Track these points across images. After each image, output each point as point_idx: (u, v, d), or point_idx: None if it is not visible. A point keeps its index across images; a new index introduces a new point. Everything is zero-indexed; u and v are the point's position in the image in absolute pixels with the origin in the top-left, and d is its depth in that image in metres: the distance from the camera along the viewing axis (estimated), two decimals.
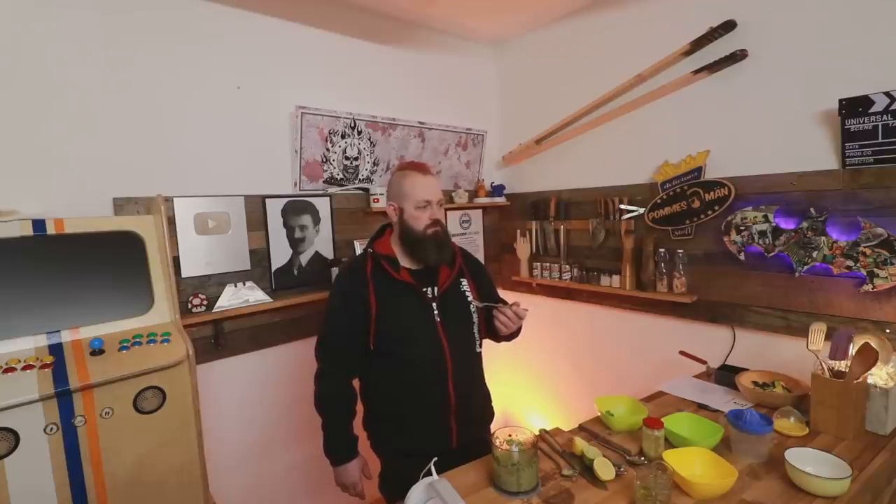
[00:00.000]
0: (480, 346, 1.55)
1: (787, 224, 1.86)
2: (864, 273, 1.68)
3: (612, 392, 1.86)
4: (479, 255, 3.05)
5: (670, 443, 1.36)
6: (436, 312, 1.45)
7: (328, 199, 2.40)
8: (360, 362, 1.47)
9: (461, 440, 1.47)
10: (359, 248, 2.49)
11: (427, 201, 1.43)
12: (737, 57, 1.95)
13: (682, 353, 2.04)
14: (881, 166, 1.63)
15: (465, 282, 1.54)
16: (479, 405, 1.58)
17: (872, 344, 1.43)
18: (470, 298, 1.52)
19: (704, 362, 1.98)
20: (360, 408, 1.53)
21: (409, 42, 2.67)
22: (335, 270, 2.33)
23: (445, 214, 1.43)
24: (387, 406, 1.49)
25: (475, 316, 1.52)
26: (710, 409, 1.64)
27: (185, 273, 1.97)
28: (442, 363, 1.43)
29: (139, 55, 1.85)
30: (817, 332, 1.58)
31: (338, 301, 1.47)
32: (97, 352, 1.38)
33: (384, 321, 1.41)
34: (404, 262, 1.47)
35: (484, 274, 1.66)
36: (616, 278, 2.45)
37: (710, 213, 2.06)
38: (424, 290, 1.45)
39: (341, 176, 2.40)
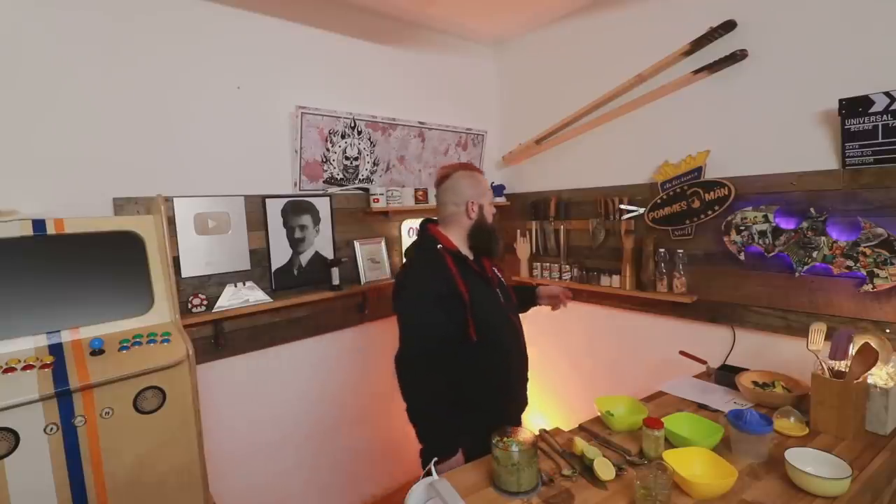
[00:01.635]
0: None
1: (787, 224, 1.86)
2: (864, 273, 1.68)
3: (612, 392, 1.86)
4: None
5: (670, 443, 1.36)
6: (500, 298, 1.60)
7: (328, 199, 2.40)
8: (450, 359, 1.45)
9: (521, 409, 1.66)
10: (358, 248, 2.49)
11: (489, 200, 1.64)
12: (737, 57, 1.95)
13: (682, 353, 2.04)
14: (881, 166, 1.63)
15: (496, 270, 1.68)
16: (524, 389, 1.71)
17: (872, 344, 1.43)
18: (503, 279, 1.68)
19: (704, 362, 1.98)
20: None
21: (409, 42, 2.67)
22: (335, 271, 2.33)
23: None
24: (476, 389, 1.50)
25: (512, 294, 1.69)
26: (710, 409, 1.64)
27: (185, 273, 1.97)
28: (516, 342, 1.61)
29: (139, 55, 1.85)
30: (817, 332, 1.58)
31: (430, 302, 1.43)
32: (97, 352, 1.38)
33: (478, 311, 1.48)
34: (466, 254, 1.59)
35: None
36: (616, 278, 2.45)
37: (710, 213, 2.06)
38: (489, 277, 1.60)
39: (341, 176, 2.40)
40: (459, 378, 1.48)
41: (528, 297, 1.87)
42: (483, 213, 1.59)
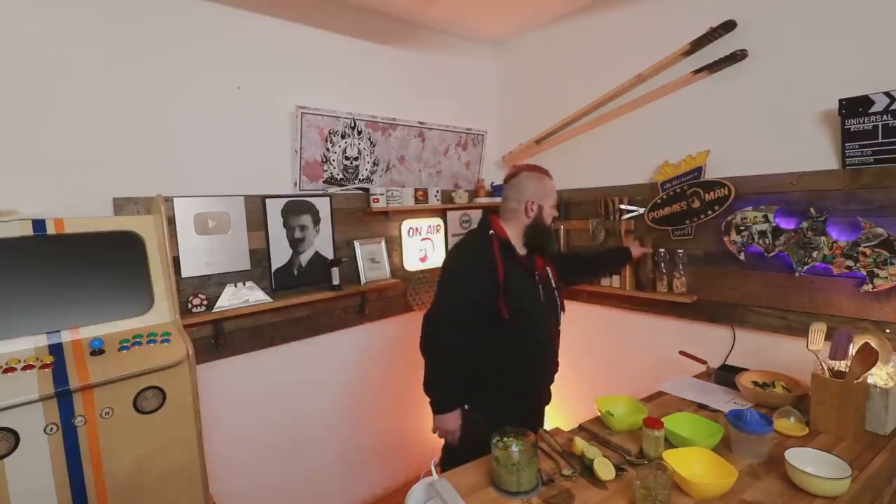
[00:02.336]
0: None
1: (787, 224, 1.86)
2: (864, 273, 1.68)
3: (612, 392, 1.86)
4: None
5: (670, 443, 1.36)
6: (541, 292, 1.67)
7: (328, 199, 2.40)
8: (475, 332, 1.58)
9: (541, 404, 1.80)
10: (358, 248, 2.49)
11: (557, 203, 1.76)
12: (737, 57, 1.95)
13: (682, 353, 2.04)
14: (881, 166, 1.63)
15: (549, 269, 1.75)
16: (552, 379, 1.83)
17: (872, 344, 1.43)
18: (554, 286, 1.75)
19: (704, 362, 1.98)
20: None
21: (409, 42, 2.67)
22: (335, 271, 2.34)
23: None
24: (501, 369, 1.63)
25: (559, 300, 1.76)
26: (710, 409, 1.64)
27: (185, 273, 1.97)
28: (546, 336, 1.69)
29: (139, 55, 1.85)
30: (817, 332, 1.58)
31: (469, 275, 1.58)
32: (97, 352, 1.38)
33: (513, 295, 1.57)
34: (518, 248, 1.67)
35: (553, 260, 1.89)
36: (616, 278, 2.45)
37: (710, 213, 2.06)
38: (536, 273, 1.68)
39: (341, 176, 2.40)
40: (489, 352, 1.61)
41: (623, 255, 2.22)
42: (542, 214, 1.67)
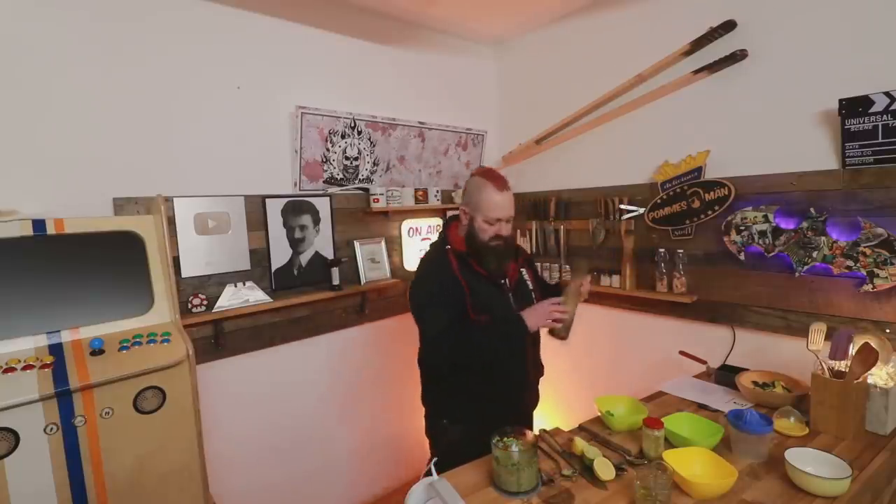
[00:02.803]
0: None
1: (787, 224, 1.86)
2: (864, 273, 1.68)
3: (612, 392, 1.86)
4: None
5: (670, 443, 1.36)
6: (511, 301, 1.57)
7: (328, 199, 2.40)
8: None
9: (527, 407, 1.70)
10: (358, 248, 2.49)
11: (497, 219, 1.51)
12: (737, 57, 1.95)
13: (682, 353, 2.04)
14: (881, 166, 1.63)
15: (524, 272, 1.66)
16: (537, 381, 1.74)
17: (872, 344, 1.43)
18: (531, 287, 1.65)
19: (704, 362, 1.98)
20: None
21: (409, 42, 2.67)
22: (335, 271, 2.34)
23: (514, 228, 1.69)
24: (477, 379, 1.54)
25: (534, 299, 1.64)
26: (710, 409, 1.64)
27: (185, 273, 1.97)
28: (522, 347, 1.58)
29: (139, 55, 1.85)
30: (817, 332, 1.58)
31: (436, 303, 1.49)
32: (97, 352, 1.38)
33: (481, 310, 1.50)
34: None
35: (534, 262, 1.82)
36: (616, 278, 2.45)
37: (710, 213, 2.06)
38: (502, 281, 1.58)
39: (341, 176, 2.40)
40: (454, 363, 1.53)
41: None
42: (473, 225, 1.54)
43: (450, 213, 2.89)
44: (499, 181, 1.53)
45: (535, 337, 1.67)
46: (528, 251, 2.11)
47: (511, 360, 1.58)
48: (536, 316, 1.48)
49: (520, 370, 1.62)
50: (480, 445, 1.29)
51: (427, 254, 1.66)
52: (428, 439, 1.69)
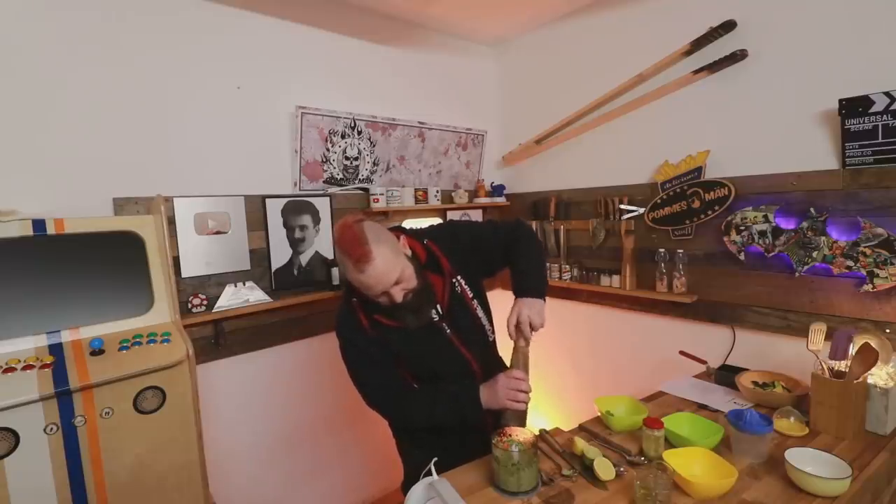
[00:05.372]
0: (492, 332, 1.47)
1: (787, 224, 1.86)
2: (864, 273, 1.68)
3: (612, 392, 1.86)
4: None
5: (670, 443, 1.36)
6: (448, 331, 1.36)
7: (328, 199, 2.40)
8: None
9: (488, 426, 1.35)
10: None
11: (374, 296, 1.23)
12: (737, 57, 1.95)
13: (682, 353, 2.04)
14: (881, 166, 1.63)
15: (457, 280, 1.39)
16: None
17: (872, 344, 1.43)
18: (471, 295, 1.39)
19: (704, 362, 1.98)
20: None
21: (409, 42, 2.67)
22: (335, 271, 2.33)
23: (417, 270, 1.29)
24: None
25: (479, 310, 1.41)
26: (710, 409, 1.64)
27: (185, 273, 1.97)
28: (469, 372, 1.40)
29: (139, 55, 1.85)
30: (817, 332, 1.58)
31: (359, 364, 1.39)
32: (97, 352, 1.38)
33: (407, 362, 1.37)
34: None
35: (459, 244, 1.42)
36: (616, 278, 2.45)
37: (710, 213, 2.06)
38: (433, 317, 1.34)
39: (341, 176, 2.40)
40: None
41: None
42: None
43: (449, 215, 2.91)
44: (354, 255, 1.15)
45: (488, 353, 1.46)
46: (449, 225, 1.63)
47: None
48: (496, 398, 1.27)
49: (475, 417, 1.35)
50: (447, 468, 1.25)
51: (337, 308, 1.42)
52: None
